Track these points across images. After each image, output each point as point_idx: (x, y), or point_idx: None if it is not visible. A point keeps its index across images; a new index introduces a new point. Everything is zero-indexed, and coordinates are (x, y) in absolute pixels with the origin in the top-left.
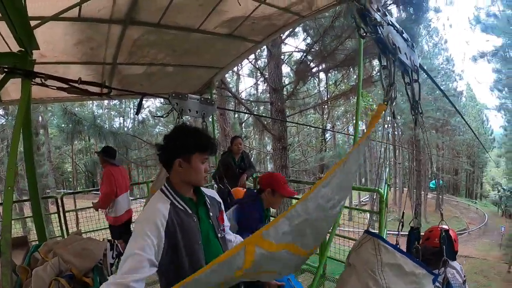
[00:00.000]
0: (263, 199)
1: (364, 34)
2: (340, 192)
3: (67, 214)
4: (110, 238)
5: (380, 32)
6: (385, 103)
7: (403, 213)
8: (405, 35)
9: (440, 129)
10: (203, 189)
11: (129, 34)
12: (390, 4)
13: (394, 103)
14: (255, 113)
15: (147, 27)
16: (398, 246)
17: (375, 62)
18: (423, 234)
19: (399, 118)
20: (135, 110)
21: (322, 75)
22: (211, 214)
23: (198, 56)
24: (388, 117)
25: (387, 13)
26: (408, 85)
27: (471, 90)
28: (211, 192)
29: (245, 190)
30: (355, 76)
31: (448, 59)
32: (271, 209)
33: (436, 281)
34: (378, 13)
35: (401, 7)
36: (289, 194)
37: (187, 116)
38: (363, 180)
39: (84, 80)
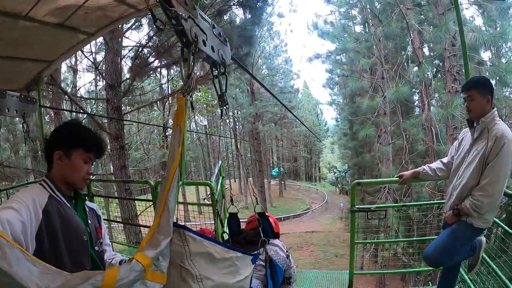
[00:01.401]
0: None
1: (162, 26)
2: None
3: None
4: None
5: (181, 25)
6: (183, 95)
7: (232, 200)
8: (216, 29)
9: (279, 122)
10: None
11: None
12: (233, 5)
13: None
14: (93, 111)
15: None
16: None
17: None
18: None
19: (239, 113)
20: None
21: (164, 71)
22: (89, 221)
23: (25, 47)
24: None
25: (196, 7)
26: (215, 77)
27: (307, 88)
28: (92, 205)
29: None
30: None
31: (287, 60)
32: None
33: (256, 260)
34: (185, 6)
35: (246, 10)
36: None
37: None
38: (208, 173)
39: None
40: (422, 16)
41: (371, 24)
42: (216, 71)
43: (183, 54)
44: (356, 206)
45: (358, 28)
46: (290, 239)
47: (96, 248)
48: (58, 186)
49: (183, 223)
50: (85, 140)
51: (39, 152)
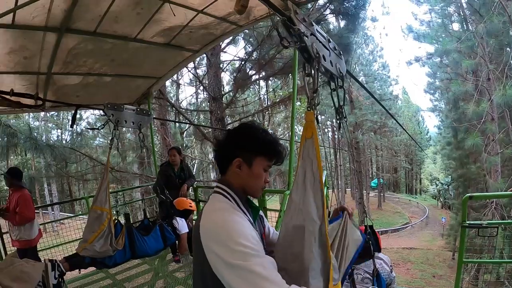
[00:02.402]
0: None
1: (287, 44)
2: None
3: (4, 235)
4: (51, 258)
5: (304, 42)
6: (310, 109)
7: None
8: (332, 43)
9: (379, 131)
10: None
11: (65, 42)
12: (328, 14)
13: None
14: (195, 122)
15: (84, 36)
16: None
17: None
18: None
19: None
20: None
21: (262, 83)
22: (258, 231)
23: (136, 65)
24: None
25: (313, 23)
26: (333, 91)
27: (406, 94)
28: (260, 212)
29: (187, 199)
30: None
31: (384, 65)
32: None
33: (364, 238)
34: (304, 23)
35: (340, 17)
36: None
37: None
38: None
39: (16, 92)
40: None
41: (470, 21)
42: (334, 85)
43: (305, 69)
44: (467, 222)
45: (456, 26)
46: (386, 254)
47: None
48: (239, 194)
49: None
50: (270, 147)
51: (145, 159)
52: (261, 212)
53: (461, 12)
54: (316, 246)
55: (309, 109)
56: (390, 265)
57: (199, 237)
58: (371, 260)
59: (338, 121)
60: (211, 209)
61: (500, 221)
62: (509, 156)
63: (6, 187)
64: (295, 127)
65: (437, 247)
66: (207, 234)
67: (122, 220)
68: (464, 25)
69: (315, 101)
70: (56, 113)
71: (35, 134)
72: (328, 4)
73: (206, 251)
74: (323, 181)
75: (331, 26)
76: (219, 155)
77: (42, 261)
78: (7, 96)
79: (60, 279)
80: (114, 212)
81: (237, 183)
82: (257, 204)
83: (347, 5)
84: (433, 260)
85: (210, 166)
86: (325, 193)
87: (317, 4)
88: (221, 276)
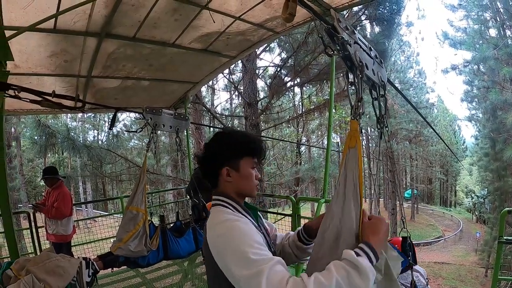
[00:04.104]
0: None
1: (332, 52)
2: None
3: (39, 229)
4: (85, 256)
5: (347, 50)
6: (354, 119)
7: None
8: (373, 52)
9: (414, 140)
10: None
11: (105, 47)
12: (364, 20)
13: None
14: (229, 127)
15: (123, 41)
16: None
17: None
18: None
19: (372, 130)
20: (109, 123)
21: (296, 89)
22: (263, 229)
23: (173, 70)
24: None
25: (355, 31)
26: (375, 100)
27: (442, 102)
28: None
29: None
30: (328, 90)
31: (420, 72)
32: None
33: (404, 264)
34: (346, 31)
35: (374, 23)
36: None
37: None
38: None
39: (57, 93)
40: None
41: (508, 26)
42: (376, 94)
43: (348, 78)
44: (505, 238)
45: (493, 33)
46: None
47: (272, 249)
48: (238, 201)
49: None
50: (249, 146)
51: (179, 162)
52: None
53: (497, 18)
54: None
55: (353, 118)
56: (426, 278)
57: (209, 252)
58: (409, 271)
59: (379, 130)
60: (215, 223)
61: None
62: None
63: (43, 183)
64: (331, 134)
65: (470, 263)
66: (215, 248)
67: (155, 221)
68: (501, 31)
69: (359, 110)
70: (93, 115)
71: (73, 134)
72: (363, 10)
73: (219, 265)
74: (361, 191)
75: (366, 32)
76: (204, 171)
77: (76, 257)
78: (49, 97)
79: (93, 277)
80: (149, 213)
81: (231, 190)
82: (290, 211)
83: (382, 10)
84: (465, 276)
85: None
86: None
87: (352, 10)
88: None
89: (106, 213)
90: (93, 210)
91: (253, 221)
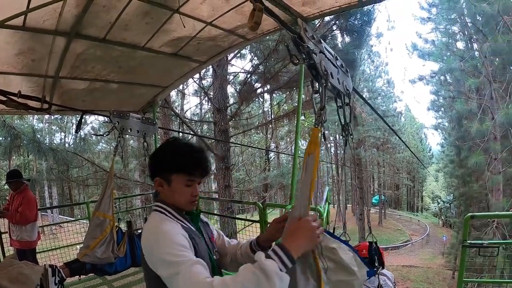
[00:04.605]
0: None
1: (297, 61)
2: None
3: (3, 235)
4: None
5: (313, 59)
6: (317, 126)
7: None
8: (339, 61)
9: (381, 147)
10: None
11: (74, 47)
12: (335, 30)
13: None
14: (198, 132)
15: (93, 42)
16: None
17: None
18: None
19: (340, 137)
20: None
21: (266, 96)
22: (204, 234)
23: (142, 74)
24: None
25: (322, 41)
26: (340, 108)
27: (410, 111)
28: (203, 218)
29: None
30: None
31: (389, 81)
32: None
33: (371, 275)
34: (313, 40)
35: (345, 33)
36: None
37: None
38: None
39: (23, 94)
40: None
41: (474, 40)
42: (341, 102)
43: (313, 87)
44: (468, 241)
45: (461, 45)
46: None
47: (214, 257)
48: (175, 208)
49: None
50: (184, 163)
51: (147, 167)
52: (205, 218)
53: (465, 32)
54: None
55: (316, 125)
56: (394, 281)
57: (143, 254)
58: (376, 276)
59: (344, 138)
60: (147, 228)
61: (501, 241)
62: (511, 175)
63: (7, 187)
64: (299, 141)
65: (437, 266)
66: (145, 250)
67: (122, 227)
68: (469, 44)
69: (322, 118)
70: (60, 116)
71: (39, 136)
72: (335, 21)
73: (150, 266)
74: (311, 197)
75: (336, 42)
76: (149, 174)
77: (41, 264)
78: (15, 98)
79: (60, 285)
80: (116, 219)
81: (167, 199)
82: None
83: (353, 21)
84: (433, 278)
85: (212, 176)
86: (327, 209)
87: (324, 20)
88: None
89: (73, 219)
90: (59, 216)
91: (190, 226)
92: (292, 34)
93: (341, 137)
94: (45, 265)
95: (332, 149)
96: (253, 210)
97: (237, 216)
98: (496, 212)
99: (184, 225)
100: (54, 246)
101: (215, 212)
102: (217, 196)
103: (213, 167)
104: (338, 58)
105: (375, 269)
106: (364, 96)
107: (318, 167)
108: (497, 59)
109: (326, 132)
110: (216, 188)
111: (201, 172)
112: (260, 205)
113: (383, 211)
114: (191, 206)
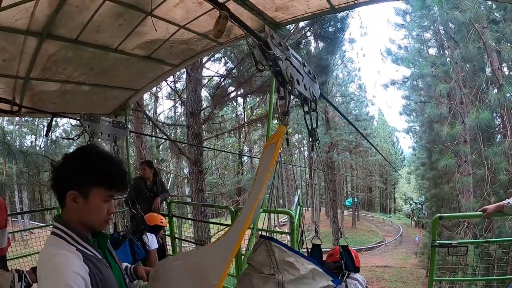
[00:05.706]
0: None
1: (263, 67)
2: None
3: None
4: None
5: (278, 66)
6: (284, 125)
7: (303, 231)
8: (306, 67)
9: (354, 151)
10: None
11: (45, 48)
12: (309, 36)
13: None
14: (171, 136)
15: (65, 43)
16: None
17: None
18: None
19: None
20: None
21: (240, 100)
22: (115, 256)
23: (114, 76)
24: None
25: (289, 47)
26: (306, 114)
27: (382, 115)
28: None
29: (158, 215)
30: None
31: (361, 86)
32: None
33: (337, 284)
34: (280, 47)
35: (319, 39)
36: None
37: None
38: (281, 201)
39: None
40: (499, 34)
41: (446, 47)
42: (308, 108)
43: (279, 92)
44: (437, 241)
45: (433, 51)
46: (360, 273)
47: (127, 279)
48: (76, 230)
49: None
50: (107, 176)
51: None
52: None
53: (437, 39)
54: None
55: (282, 124)
56: (366, 286)
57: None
58: (345, 281)
59: (311, 143)
60: (42, 253)
61: (469, 240)
62: (481, 176)
63: None
64: None
65: (411, 265)
66: (38, 278)
67: None
68: (441, 50)
69: (285, 123)
70: (31, 118)
71: (9, 138)
72: (309, 27)
73: None
74: (264, 192)
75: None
76: (54, 185)
77: (10, 271)
78: None
79: None
80: None
81: (74, 218)
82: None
83: (327, 28)
84: (406, 278)
85: (185, 180)
86: (298, 212)
87: (298, 26)
88: None
89: (44, 225)
90: (30, 221)
91: (95, 253)
92: (258, 41)
93: (308, 142)
94: (11, 270)
95: (305, 153)
96: (227, 214)
97: (210, 220)
98: (464, 213)
99: (87, 253)
100: (25, 253)
101: (189, 216)
102: (189, 200)
103: (186, 171)
104: (306, 64)
105: (343, 273)
106: (336, 100)
107: (275, 165)
108: (468, 65)
109: (299, 135)
110: (189, 192)
111: (122, 187)
112: (232, 209)
113: (356, 213)
114: (105, 225)
